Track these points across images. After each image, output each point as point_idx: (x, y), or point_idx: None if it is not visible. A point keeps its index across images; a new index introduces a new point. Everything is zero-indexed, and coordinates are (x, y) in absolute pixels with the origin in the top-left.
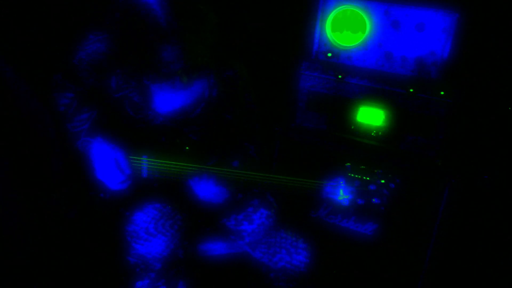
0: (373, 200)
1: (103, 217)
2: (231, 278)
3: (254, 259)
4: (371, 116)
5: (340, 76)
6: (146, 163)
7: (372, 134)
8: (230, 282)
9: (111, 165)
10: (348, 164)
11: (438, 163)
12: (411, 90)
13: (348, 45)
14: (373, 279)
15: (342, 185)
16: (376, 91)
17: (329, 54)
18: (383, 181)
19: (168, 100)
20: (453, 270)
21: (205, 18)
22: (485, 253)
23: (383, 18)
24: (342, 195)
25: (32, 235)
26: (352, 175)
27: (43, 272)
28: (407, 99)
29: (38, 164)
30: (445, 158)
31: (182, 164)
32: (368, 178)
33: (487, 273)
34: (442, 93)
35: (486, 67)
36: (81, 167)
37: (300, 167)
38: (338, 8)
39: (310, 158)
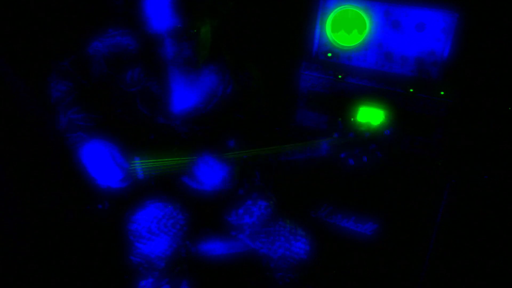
0: (370, 146)
1: (103, 221)
2: (233, 277)
3: (255, 251)
4: (371, 116)
5: (340, 76)
6: (139, 164)
7: None
8: (232, 280)
9: (108, 161)
10: (339, 119)
11: (438, 163)
12: (411, 90)
13: (348, 45)
14: (373, 279)
15: (336, 138)
16: (376, 91)
17: (329, 54)
18: (375, 125)
19: (184, 93)
20: (453, 270)
21: None
22: (485, 253)
23: (383, 18)
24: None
25: (32, 235)
26: (345, 129)
27: (44, 272)
28: (407, 99)
29: (37, 165)
30: (445, 158)
31: (176, 158)
32: (361, 129)
33: (487, 273)
34: (442, 93)
35: (486, 67)
36: (77, 174)
37: (300, 168)
38: (338, 8)
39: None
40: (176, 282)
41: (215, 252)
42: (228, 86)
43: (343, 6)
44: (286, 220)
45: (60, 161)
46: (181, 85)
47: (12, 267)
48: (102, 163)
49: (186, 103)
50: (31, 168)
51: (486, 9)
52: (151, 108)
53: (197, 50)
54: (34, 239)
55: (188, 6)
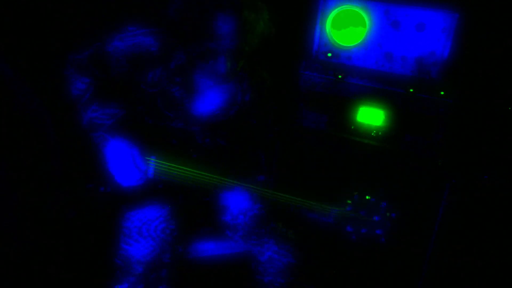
0: (376, 231)
1: (102, 214)
2: (221, 280)
3: (246, 252)
4: (371, 116)
5: (340, 76)
6: (153, 164)
7: (372, 134)
8: (220, 284)
9: (128, 162)
10: (356, 193)
11: (438, 163)
12: (411, 90)
13: (348, 45)
14: (373, 279)
15: (347, 212)
16: (376, 91)
17: (329, 54)
18: (388, 214)
19: (207, 101)
20: (453, 270)
21: (260, 7)
22: (485, 253)
23: (383, 18)
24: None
25: (30, 236)
26: (358, 205)
27: (39, 272)
28: (407, 99)
29: (38, 164)
30: (445, 158)
31: (190, 169)
32: (373, 209)
33: (487, 273)
34: (442, 93)
35: (486, 67)
36: (85, 160)
37: (301, 171)
38: (338, 8)
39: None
40: None
41: (208, 253)
42: (246, 94)
43: (343, 6)
44: (278, 222)
45: (60, 160)
46: (207, 93)
47: (12, 266)
48: (122, 164)
49: (208, 109)
50: (31, 167)
51: (486, 9)
52: (171, 110)
53: (239, 65)
54: (33, 239)
55: (250, 30)
